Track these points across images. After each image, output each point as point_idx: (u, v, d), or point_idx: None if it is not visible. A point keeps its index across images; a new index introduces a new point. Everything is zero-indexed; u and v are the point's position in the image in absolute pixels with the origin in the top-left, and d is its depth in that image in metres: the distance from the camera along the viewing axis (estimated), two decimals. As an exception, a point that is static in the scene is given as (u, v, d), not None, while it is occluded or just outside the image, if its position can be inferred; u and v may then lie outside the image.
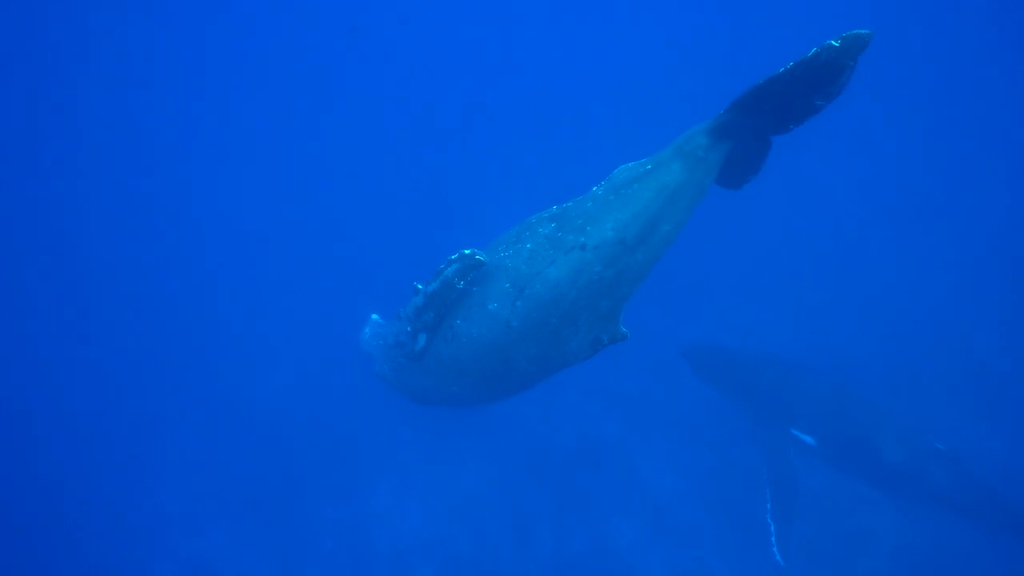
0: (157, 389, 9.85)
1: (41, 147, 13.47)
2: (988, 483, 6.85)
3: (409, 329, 5.14)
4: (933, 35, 12.65)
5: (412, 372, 5.37)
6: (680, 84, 12.76)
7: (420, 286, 4.91)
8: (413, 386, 5.47)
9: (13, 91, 14.15)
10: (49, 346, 10.47)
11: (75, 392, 9.91)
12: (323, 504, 8.54)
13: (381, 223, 11.22)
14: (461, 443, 8.74)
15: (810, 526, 7.41)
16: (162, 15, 14.70)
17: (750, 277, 9.95)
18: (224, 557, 8.31)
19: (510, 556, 7.80)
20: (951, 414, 8.14)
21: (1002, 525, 6.80)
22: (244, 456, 9.13)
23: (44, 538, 8.64)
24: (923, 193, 10.53)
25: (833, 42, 3.62)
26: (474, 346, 4.78)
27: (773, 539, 7.14)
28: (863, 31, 3.60)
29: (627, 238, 4.36)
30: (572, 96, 13.43)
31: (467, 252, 4.57)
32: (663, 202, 4.35)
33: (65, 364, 10.20)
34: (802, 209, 10.64)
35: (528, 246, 4.60)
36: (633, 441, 8.64)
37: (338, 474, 8.73)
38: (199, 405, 9.62)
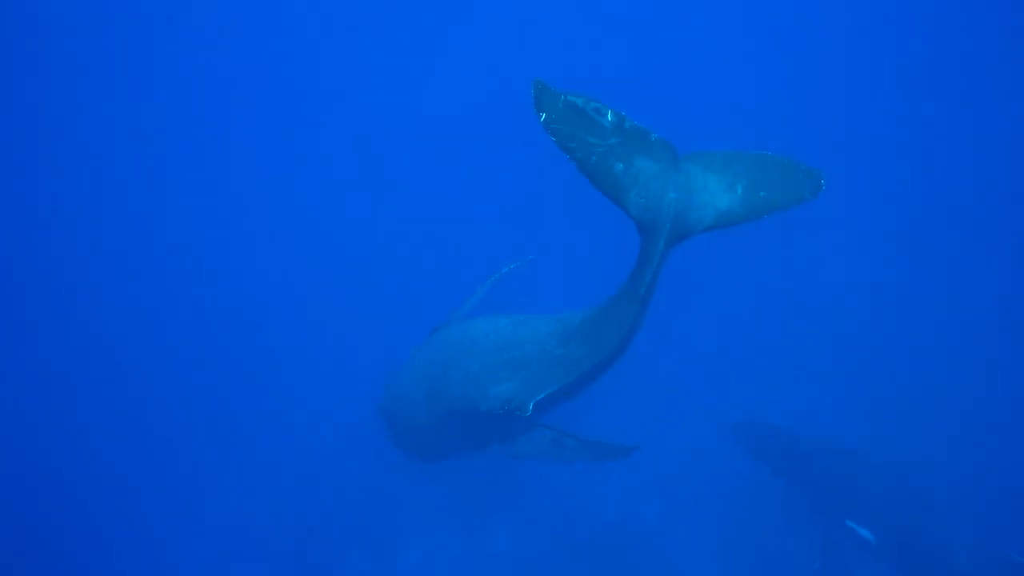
0: (190, 435, 9.78)
1: (44, 148, 13.40)
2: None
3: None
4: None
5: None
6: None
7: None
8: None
9: (13, 90, 14.24)
10: (80, 401, 10.43)
11: (105, 435, 9.91)
12: (349, 556, 8.23)
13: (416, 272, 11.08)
14: (496, 509, 8.38)
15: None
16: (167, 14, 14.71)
17: (808, 356, 9.52)
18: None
19: (537, 634, 7.34)
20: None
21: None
22: (272, 506, 8.89)
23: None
24: (997, 277, 9.98)
25: (540, 116, 3.71)
26: (456, 335, 5.76)
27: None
28: (533, 87, 3.70)
29: (572, 325, 4.87)
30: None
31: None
32: (608, 310, 4.60)
33: (94, 414, 10.16)
34: (871, 294, 10.18)
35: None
36: (674, 523, 8.17)
37: (368, 527, 8.42)
38: (232, 452, 9.51)
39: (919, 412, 8.63)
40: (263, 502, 8.97)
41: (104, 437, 9.87)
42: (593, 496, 8.44)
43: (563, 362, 4.77)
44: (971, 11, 12.72)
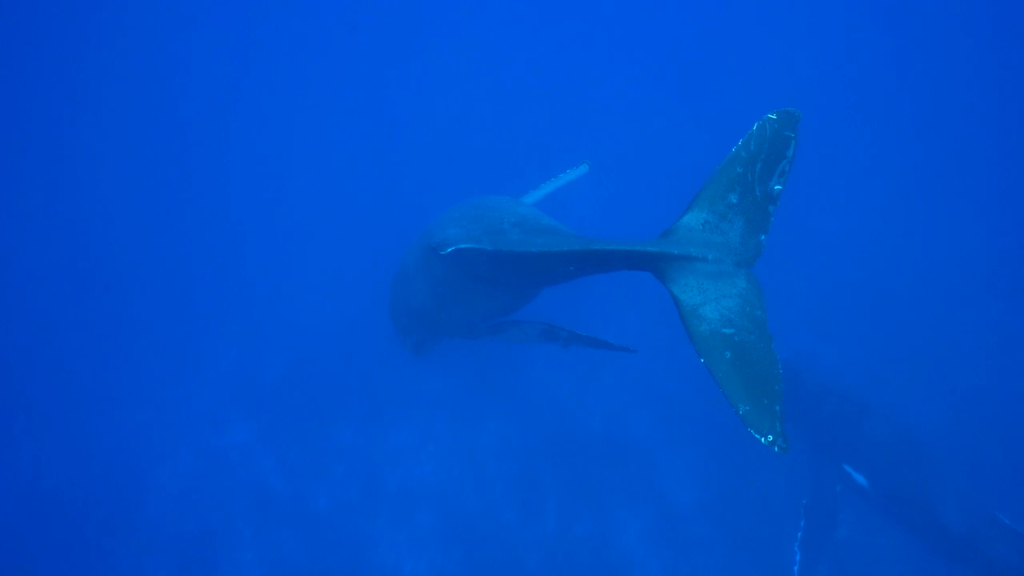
0: (200, 293, 10.24)
1: (47, 144, 13.88)
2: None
3: None
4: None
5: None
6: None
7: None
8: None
9: (14, 89, 14.49)
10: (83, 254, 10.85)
11: (122, 287, 10.40)
12: (344, 428, 8.51)
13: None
14: (489, 404, 8.53)
15: (839, 567, 6.82)
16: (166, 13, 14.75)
17: (823, 304, 9.24)
18: (240, 454, 8.43)
19: (512, 524, 7.53)
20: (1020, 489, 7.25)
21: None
22: (278, 366, 9.30)
23: (70, 415, 8.96)
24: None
25: (771, 115, 3.90)
26: (470, 199, 6.24)
27: (796, 568, 6.65)
28: (793, 109, 3.91)
29: (534, 220, 5.19)
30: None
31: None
32: (558, 233, 4.86)
33: (112, 265, 10.59)
34: (893, 249, 9.79)
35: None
36: (660, 441, 8.17)
37: (365, 404, 8.70)
38: (240, 313, 9.95)
39: (930, 368, 8.37)
40: (267, 366, 9.35)
41: (117, 288, 10.39)
42: (583, 405, 8.51)
43: (498, 235, 4.95)
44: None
